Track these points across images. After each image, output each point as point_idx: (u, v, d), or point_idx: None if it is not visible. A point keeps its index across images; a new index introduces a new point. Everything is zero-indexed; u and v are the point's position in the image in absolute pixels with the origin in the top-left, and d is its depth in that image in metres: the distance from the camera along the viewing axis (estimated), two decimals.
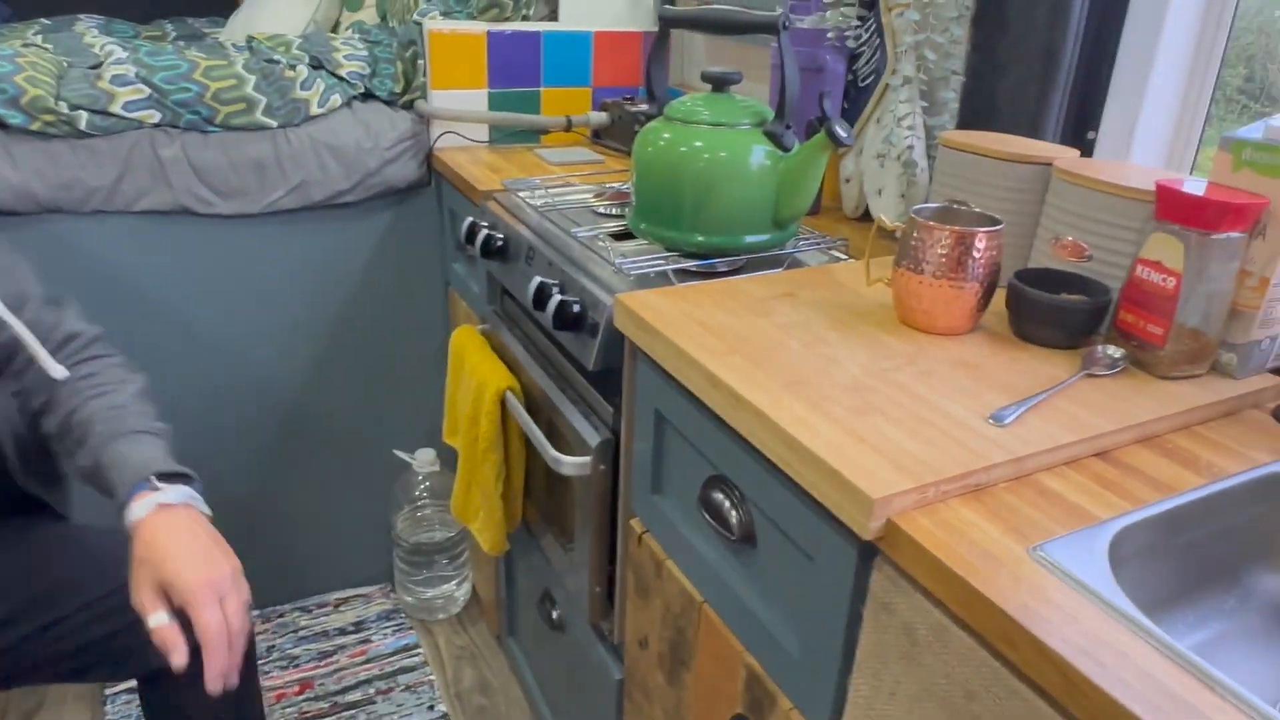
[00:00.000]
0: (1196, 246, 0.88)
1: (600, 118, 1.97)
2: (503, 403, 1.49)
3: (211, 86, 1.71)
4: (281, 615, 2.24)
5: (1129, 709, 0.54)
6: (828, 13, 1.41)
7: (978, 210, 1.03)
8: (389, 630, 2.21)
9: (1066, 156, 1.11)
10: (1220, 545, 0.82)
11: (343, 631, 2.19)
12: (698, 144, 1.21)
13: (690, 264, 1.26)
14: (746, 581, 0.96)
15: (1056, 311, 0.97)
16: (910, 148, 1.33)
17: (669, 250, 1.29)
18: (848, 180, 1.50)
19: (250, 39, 1.96)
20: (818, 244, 1.35)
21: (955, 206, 1.06)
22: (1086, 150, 1.38)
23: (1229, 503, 0.80)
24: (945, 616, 0.69)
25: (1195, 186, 0.90)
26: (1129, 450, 0.84)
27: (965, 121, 1.37)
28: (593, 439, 1.24)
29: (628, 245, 1.35)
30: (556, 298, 1.23)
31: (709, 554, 1.02)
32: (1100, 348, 0.95)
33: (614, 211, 1.52)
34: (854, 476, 0.73)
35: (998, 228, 0.97)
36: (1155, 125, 1.33)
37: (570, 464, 1.25)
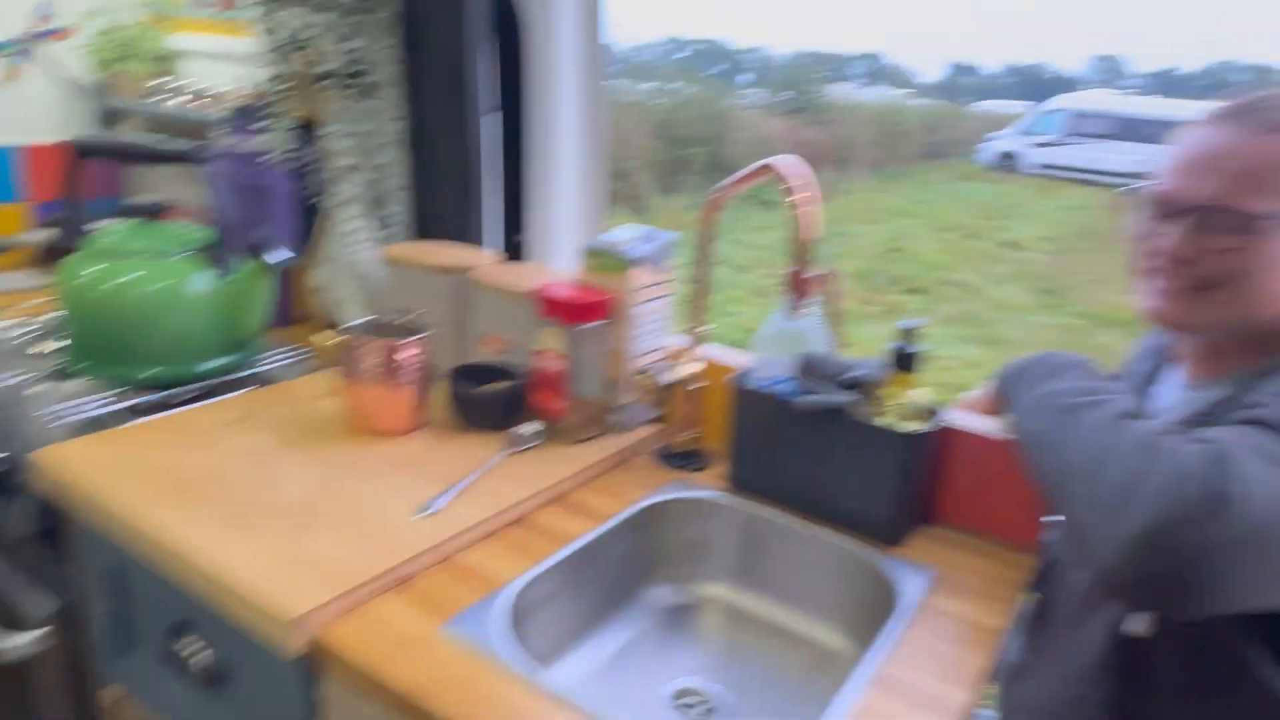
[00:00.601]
0: (572, 337, 1.09)
1: (41, 237, 1.77)
2: None
3: None
4: None
5: None
6: (265, 135, 1.46)
7: (408, 318, 1.16)
8: None
9: (484, 263, 1.30)
10: (619, 570, 1.02)
11: None
12: (130, 276, 1.17)
13: (142, 399, 1.20)
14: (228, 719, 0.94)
15: (480, 401, 1.13)
16: (363, 260, 1.43)
17: (117, 387, 1.21)
18: (316, 291, 1.55)
19: None
20: (287, 357, 1.38)
21: (392, 318, 1.17)
22: (516, 251, 1.61)
23: (615, 537, 1.00)
24: (381, 712, 0.76)
25: (565, 289, 1.12)
26: (541, 512, 1.01)
27: (419, 232, 1.51)
28: (41, 611, 1.10)
29: (69, 386, 1.24)
30: None
31: (189, 702, 0.97)
32: (522, 427, 1.12)
33: (55, 347, 1.38)
34: (278, 600, 0.77)
35: (422, 335, 1.10)
36: (566, 222, 1.59)
37: (15, 646, 1.09)
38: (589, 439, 1.15)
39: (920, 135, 17.32)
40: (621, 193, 9.59)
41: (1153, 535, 0.64)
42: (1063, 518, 0.74)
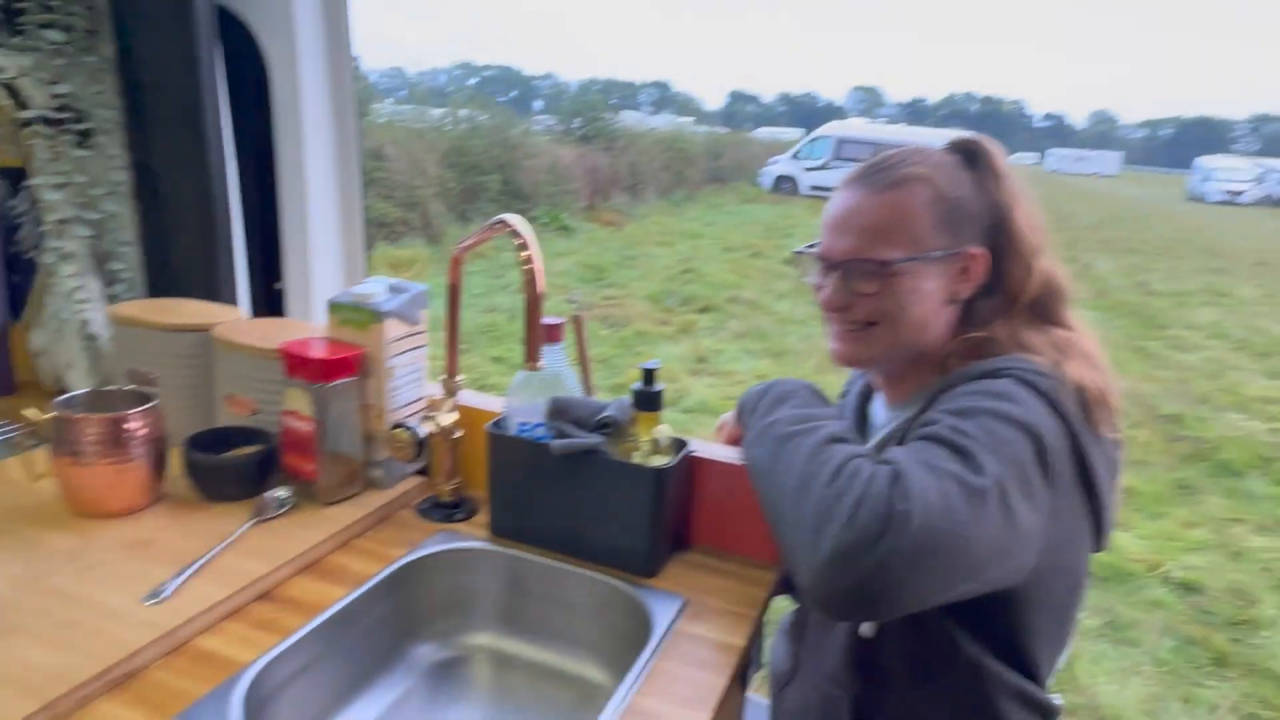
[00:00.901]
0: (318, 395, 1.06)
1: None
2: None
3: None
4: None
5: None
6: None
7: (134, 385, 1.07)
8: None
9: (228, 319, 1.23)
10: (380, 633, 1.00)
11: None
12: None
13: None
14: None
15: (219, 469, 1.07)
16: (90, 321, 1.31)
17: None
18: (40, 355, 1.40)
19: None
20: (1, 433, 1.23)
21: (118, 385, 1.08)
22: (277, 300, 1.54)
23: (373, 599, 0.98)
24: None
25: (311, 346, 1.09)
26: (291, 583, 0.97)
27: (152, 290, 1.41)
28: None
29: None
30: None
31: None
32: (271, 493, 1.07)
33: None
34: None
35: (149, 405, 1.03)
36: (327, 265, 1.55)
37: None
38: (347, 498, 1.11)
39: (706, 160, 18.29)
40: (414, 222, 9.36)
41: (838, 557, 0.71)
42: (780, 540, 0.81)
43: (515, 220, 0.90)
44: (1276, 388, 6.01)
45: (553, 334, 1.05)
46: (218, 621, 0.88)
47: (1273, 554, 3.52)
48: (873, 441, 0.97)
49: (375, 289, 1.11)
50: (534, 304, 0.91)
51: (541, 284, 0.91)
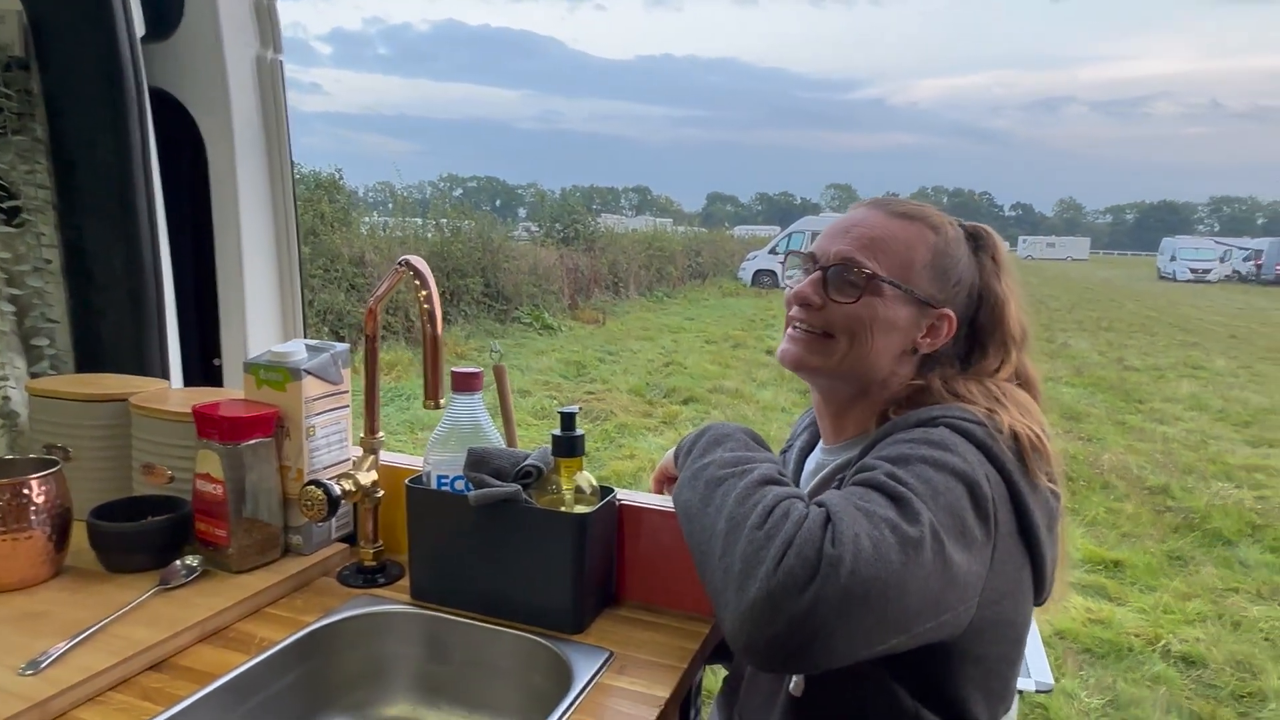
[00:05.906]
0: (228, 456, 1.02)
1: None
2: None
3: None
4: None
5: None
6: None
7: (34, 457, 1.04)
8: None
9: (151, 390, 1.20)
10: (286, 704, 0.93)
11: None
12: None
13: None
14: None
15: (123, 537, 1.02)
16: (7, 398, 1.28)
17: None
18: None
19: None
20: None
21: (19, 456, 1.05)
22: (215, 375, 1.52)
23: (277, 667, 0.92)
24: None
25: (228, 406, 1.06)
26: (190, 651, 0.91)
27: (80, 367, 1.39)
28: None
29: None
30: None
31: None
32: (179, 561, 1.02)
33: None
34: None
35: (50, 471, 0.99)
36: (265, 341, 1.53)
37: None
38: (263, 565, 1.06)
39: (686, 258, 18.67)
40: (395, 326, 9.43)
41: (764, 602, 0.67)
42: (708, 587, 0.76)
43: (417, 262, 0.90)
44: (1260, 455, 5.98)
45: (470, 383, 1.03)
46: (101, 692, 0.82)
47: (1273, 623, 3.41)
48: (808, 486, 0.94)
49: (294, 348, 1.09)
50: (432, 343, 0.89)
51: (439, 324, 0.89)
